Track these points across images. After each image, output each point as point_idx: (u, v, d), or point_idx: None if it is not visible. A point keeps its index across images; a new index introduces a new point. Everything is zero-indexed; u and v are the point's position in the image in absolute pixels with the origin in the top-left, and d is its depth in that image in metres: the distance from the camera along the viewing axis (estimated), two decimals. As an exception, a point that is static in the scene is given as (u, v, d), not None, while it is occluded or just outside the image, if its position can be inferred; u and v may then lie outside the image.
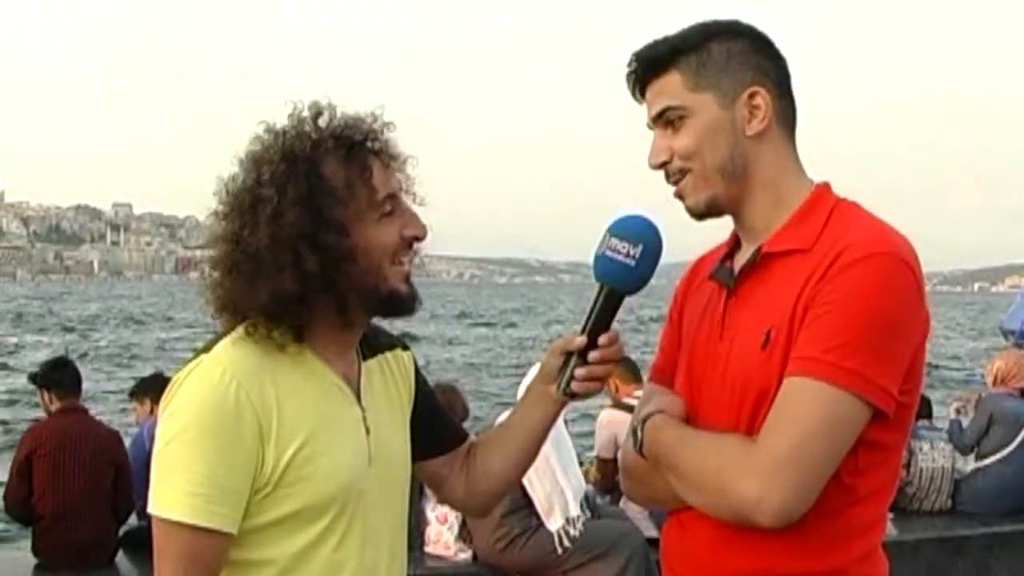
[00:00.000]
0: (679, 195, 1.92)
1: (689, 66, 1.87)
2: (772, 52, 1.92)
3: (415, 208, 1.94)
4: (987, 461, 7.25)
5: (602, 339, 1.90)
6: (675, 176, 1.90)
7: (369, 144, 1.90)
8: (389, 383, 2.07)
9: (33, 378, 6.41)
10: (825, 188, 1.92)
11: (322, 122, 1.88)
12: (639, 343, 25.28)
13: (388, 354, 2.09)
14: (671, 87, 1.88)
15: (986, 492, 7.12)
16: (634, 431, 1.95)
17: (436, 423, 2.16)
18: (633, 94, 1.95)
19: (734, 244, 1.99)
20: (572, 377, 1.91)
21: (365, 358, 2.02)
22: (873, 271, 1.74)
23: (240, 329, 1.86)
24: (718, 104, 1.87)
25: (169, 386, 1.86)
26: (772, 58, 1.91)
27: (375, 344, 2.06)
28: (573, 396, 1.95)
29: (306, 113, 1.88)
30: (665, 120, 1.89)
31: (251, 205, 1.82)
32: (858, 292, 1.73)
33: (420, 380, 2.16)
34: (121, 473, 6.14)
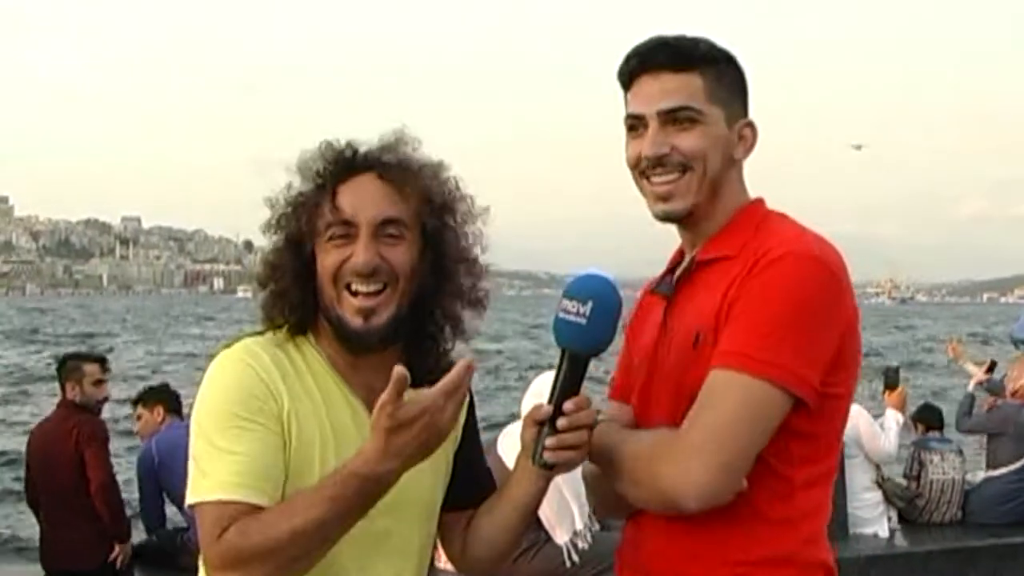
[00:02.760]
0: (666, 195, 1.94)
1: (711, 76, 1.94)
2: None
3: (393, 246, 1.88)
4: (999, 471, 7.24)
5: (568, 405, 1.81)
6: (670, 170, 1.93)
7: (343, 168, 1.88)
8: None
9: None
10: (759, 202, 2.02)
11: (324, 148, 1.90)
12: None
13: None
14: (694, 88, 1.93)
15: (996, 500, 7.12)
16: None
17: (468, 476, 2.07)
18: (629, 75, 1.97)
19: (678, 260, 2.07)
20: (544, 447, 1.83)
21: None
22: (787, 268, 1.82)
23: (266, 334, 1.92)
24: (725, 122, 1.95)
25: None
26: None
27: (425, 374, 1.93)
28: (550, 467, 1.85)
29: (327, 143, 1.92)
30: (674, 117, 1.92)
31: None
32: (774, 288, 1.81)
33: (469, 424, 2.09)
34: (84, 448, 6.00)
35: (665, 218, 1.98)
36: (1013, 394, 7.53)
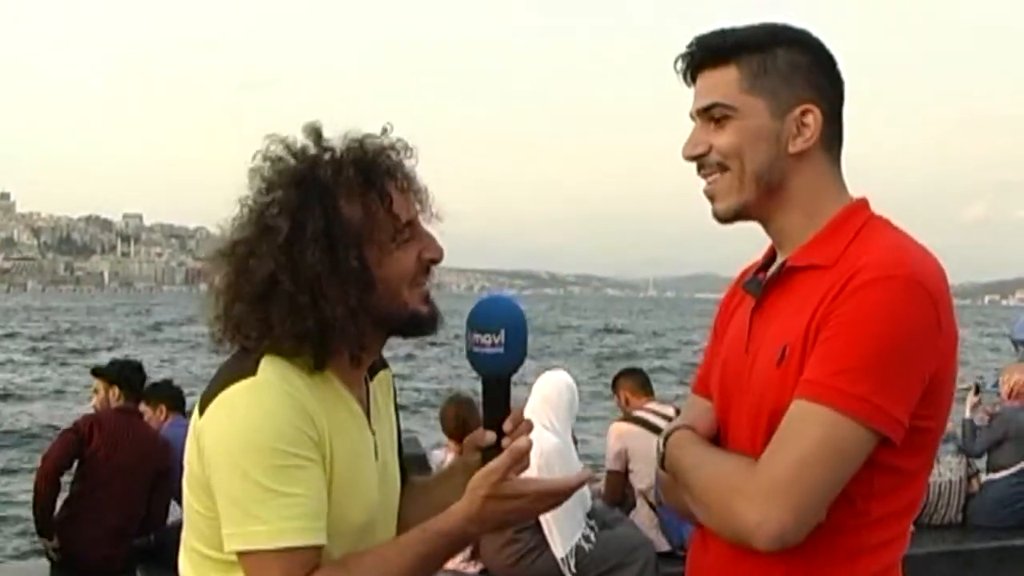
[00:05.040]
0: (710, 195, 1.89)
1: (750, 65, 1.83)
2: (834, 74, 1.89)
3: (430, 229, 1.90)
4: (1000, 474, 7.23)
5: (507, 425, 1.86)
6: (710, 171, 1.87)
7: (386, 170, 1.85)
8: (383, 404, 2.02)
9: (99, 371, 6.43)
10: (859, 205, 1.89)
11: (337, 145, 1.84)
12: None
13: (380, 374, 2.03)
14: (726, 82, 1.84)
15: (997, 503, 7.12)
16: (659, 445, 1.96)
17: (400, 453, 2.08)
18: (684, 77, 1.90)
19: (771, 256, 1.97)
20: None
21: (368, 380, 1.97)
22: (883, 294, 1.71)
23: (271, 353, 1.78)
24: (769, 112, 1.83)
25: (214, 409, 1.76)
26: (832, 80, 1.88)
27: (375, 365, 2.00)
28: None
29: (322, 134, 1.85)
30: (710, 115, 1.85)
31: (260, 233, 1.79)
32: (867, 316, 1.70)
33: (396, 403, 2.11)
34: (162, 480, 6.10)
35: (717, 219, 1.90)
36: (1009, 395, 7.52)
